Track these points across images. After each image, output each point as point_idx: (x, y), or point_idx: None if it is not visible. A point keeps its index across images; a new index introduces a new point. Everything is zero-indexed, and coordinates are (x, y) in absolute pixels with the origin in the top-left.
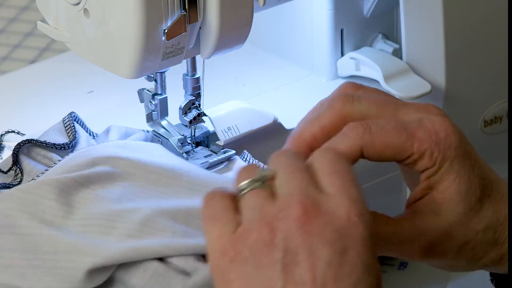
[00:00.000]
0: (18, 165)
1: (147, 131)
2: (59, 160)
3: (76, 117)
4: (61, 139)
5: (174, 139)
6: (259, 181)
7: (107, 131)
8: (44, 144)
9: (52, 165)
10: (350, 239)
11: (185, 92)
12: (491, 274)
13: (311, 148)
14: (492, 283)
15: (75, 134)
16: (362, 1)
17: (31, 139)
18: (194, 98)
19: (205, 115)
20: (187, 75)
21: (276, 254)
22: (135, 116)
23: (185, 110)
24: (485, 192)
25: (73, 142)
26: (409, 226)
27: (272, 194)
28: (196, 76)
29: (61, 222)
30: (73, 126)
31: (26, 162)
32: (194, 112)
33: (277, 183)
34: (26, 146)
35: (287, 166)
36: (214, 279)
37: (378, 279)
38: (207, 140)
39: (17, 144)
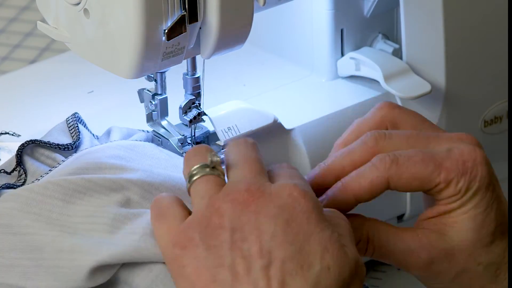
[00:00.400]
0: (22, 166)
1: (147, 132)
2: (62, 161)
3: (79, 117)
4: (65, 139)
5: (174, 139)
6: (208, 167)
7: (109, 132)
8: (48, 145)
9: (56, 166)
10: (292, 212)
11: (185, 92)
12: None
13: (338, 179)
14: None
15: (79, 135)
16: (362, 1)
17: (35, 140)
18: (194, 97)
19: (205, 114)
20: (187, 74)
21: (224, 234)
22: (135, 116)
23: (185, 110)
24: (499, 228)
25: (77, 143)
26: (410, 237)
27: (221, 182)
28: (196, 76)
29: (67, 221)
30: (77, 126)
31: (30, 162)
32: (194, 112)
33: (229, 172)
34: (29, 147)
35: (244, 153)
36: (170, 272)
37: (323, 246)
38: (207, 140)
39: (21, 144)
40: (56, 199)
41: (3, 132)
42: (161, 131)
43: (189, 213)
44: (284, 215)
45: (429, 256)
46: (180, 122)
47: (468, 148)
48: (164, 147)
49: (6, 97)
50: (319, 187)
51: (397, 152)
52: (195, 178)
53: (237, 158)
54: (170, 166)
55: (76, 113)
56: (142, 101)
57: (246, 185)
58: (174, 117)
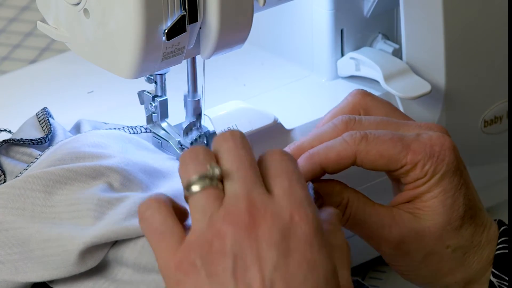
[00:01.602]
0: (0, 167)
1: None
2: (40, 155)
3: (49, 112)
4: (37, 134)
5: (174, 140)
6: (208, 177)
7: (78, 125)
8: (21, 142)
9: (34, 161)
10: (294, 239)
11: (186, 113)
12: None
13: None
14: None
15: (50, 128)
16: (362, 1)
17: (7, 139)
18: (195, 120)
19: (205, 136)
20: (188, 96)
21: (226, 261)
22: (135, 117)
23: (186, 131)
24: (467, 213)
25: (49, 136)
26: (385, 212)
27: (220, 195)
28: (197, 99)
29: (51, 212)
30: (48, 120)
31: (6, 162)
32: (195, 134)
33: (226, 181)
34: (3, 147)
35: (237, 159)
36: None
37: (327, 274)
38: (207, 140)
39: None
40: (38, 191)
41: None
42: (161, 132)
43: (184, 227)
44: (285, 241)
45: (400, 233)
46: (180, 122)
47: (436, 134)
48: (164, 149)
49: (6, 97)
50: None
51: (368, 130)
52: (194, 190)
53: (230, 162)
54: (144, 150)
55: (45, 107)
56: (142, 103)
57: (246, 204)
58: (174, 118)
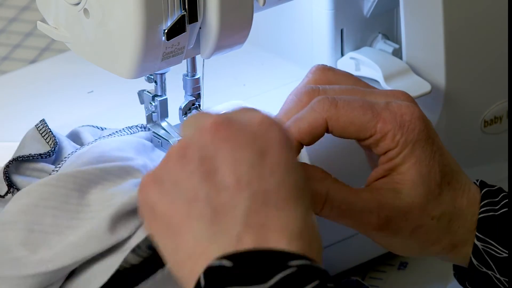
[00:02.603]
0: (14, 186)
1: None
2: (58, 165)
3: (47, 124)
4: (39, 146)
5: (174, 140)
6: None
7: (76, 133)
8: (30, 158)
9: (56, 169)
10: (267, 141)
11: (185, 93)
12: (454, 269)
13: None
14: (455, 277)
15: (55, 139)
16: (362, 1)
17: (17, 157)
18: (194, 98)
19: None
20: (187, 75)
21: (191, 165)
22: (135, 117)
23: (185, 111)
24: (445, 179)
25: (56, 148)
26: (369, 197)
27: None
28: (196, 77)
29: (88, 211)
30: (50, 131)
31: (19, 180)
32: (194, 113)
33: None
34: (13, 165)
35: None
36: (144, 223)
37: (304, 180)
38: None
39: (5, 166)
40: (72, 190)
41: None
42: (161, 132)
43: None
44: (258, 143)
45: (387, 215)
46: (180, 123)
47: (405, 103)
48: (164, 148)
49: (6, 97)
50: None
51: (337, 96)
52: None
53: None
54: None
55: (43, 119)
56: (142, 102)
57: (212, 116)
58: (174, 118)
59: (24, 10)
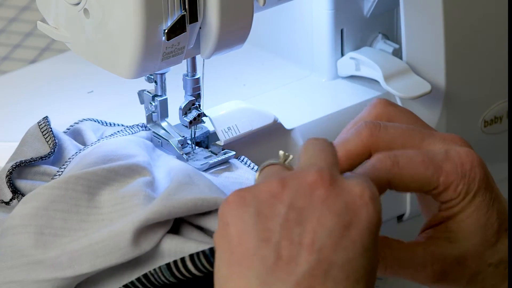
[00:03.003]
0: (19, 191)
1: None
2: (63, 166)
3: (49, 122)
4: (39, 145)
5: (174, 140)
6: (279, 160)
7: (78, 131)
8: (32, 162)
9: (62, 170)
10: (357, 216)
11: (185, 93)
12: None
13: None
14: None
15: (54, 140)
16: (362, 1)
17: (18, 163)
18: (194, 98)
19: (205, 115)
20: (187, 75)
21: (280, 207)
22: (135, 117)
23: (185, 111)
24: (502, 227)
25: (55, 148)
26: (423, 251)
27: (289, 168)
28: (196, 77)
29: (97, 213)
30: (51, 130)
31: (23, 184)
32: (194, 113)
33: (302, 159)
34: (16, 171)
35: (317, 147)
36: (215, 233)
37: (372, 266)
38: (207, 140)
39: (7, 172)
40: (81, 192)
41: None
42: (161, 132)
43: None
44: (348, 215)
45: (443, 266)
46: (180, 123)
47: (464, 150)
48: (164, 149)
49: (6, 97)
50: None
51: (397, 152)
52: (261, 168)
53: (312, 149)
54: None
55: (47, 116)
56: (142, 102)
57: (318, 169)
58: (174, 118)
59: (24, 10)
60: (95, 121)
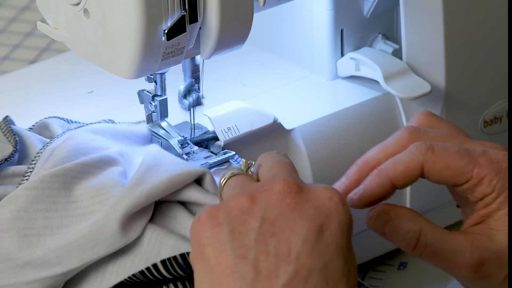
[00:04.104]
0: None
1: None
2: (29, 168)
3: (11, 120)
4: (2, 145)
5: (174, 140)
6: (241, 170)
7: (45, 125)
8: None
9: (30, 170)
10: (328, 218)
11: (184, 75)
12: None
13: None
14: None
15: (15, 137)
16: (362, 1)
17: None
18: (193, 80)
19: (203, 97)
20: (186, 62)
21: (252, 222)
22: (135, 117)
23: (184, 93)
24: None
25: (17, 147)
26: (463, 238)
27: (254, 178)
28: (196, 63)
29: (77, 207)
30: (11, 130)
31: None
32: (193, 95)
33: (261, 171)
34: None
35: (273, 159)
36: (191, 253)
37: (349, 265)
38: (207, 140)
39: None
40: (58, 189)
41: None
42: (161, 132)
43: None
44: (319, 218)
45: (482, 256)
46: (180, 123)
47: (502, 152)
48: (164, 148)
49: (6, 97)
50: (356, 183)
51: (434, 142)
52: (225, 179)
53: (269, 161)
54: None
55: (7, 116)
56: (142, 102)
57: (283, 178)
58: (174, 118)
59: (24, 10)
60: (62, 119)
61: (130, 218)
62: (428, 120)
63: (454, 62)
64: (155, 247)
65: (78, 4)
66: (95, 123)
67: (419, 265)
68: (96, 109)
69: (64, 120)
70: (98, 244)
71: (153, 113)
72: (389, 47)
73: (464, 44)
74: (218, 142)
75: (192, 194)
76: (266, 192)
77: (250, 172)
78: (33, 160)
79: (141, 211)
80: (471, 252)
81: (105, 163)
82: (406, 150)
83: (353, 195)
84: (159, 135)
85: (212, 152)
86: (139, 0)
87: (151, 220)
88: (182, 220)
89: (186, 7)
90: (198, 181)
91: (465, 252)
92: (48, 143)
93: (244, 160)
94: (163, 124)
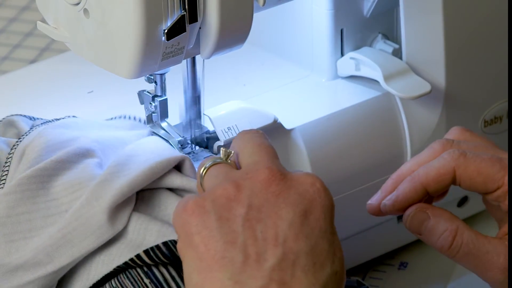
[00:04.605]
0: None
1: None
2: (3, 171)
3: None
4: None
5: (174, 140)
6: (221, 158)
7: (11, 123)
8: None
9: (5, 173)
10: (312, 204)
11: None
12: None
13: None
14: None
15: None
16: (362, 1)
17: None
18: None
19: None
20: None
21: (239, 209)
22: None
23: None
24: None
25: None
26: (499, 242)
27: (234, 166)
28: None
29: (57, 204)
30: None
31: None
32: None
33: (242, 157)
34: None
35: (253, 141)
36: (178, 243)
37: (334, 247)
38: (207, 140)
39: None
40: (35, 190)
41: None
42: (161, 132)
43: None
44: (303, 204)
45: None
46: (180, 123)
47: None
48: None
49: (6, 97)
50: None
51: (467, 149)
52: (205, 168)
53: (249, 145)
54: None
55: None
56: (142, 102)
57: (267, 165)
58: (174, 118)
59: (24, 10)
60: (26, 117)
61: (116, 209)
62: (463, 135)
63: (454, 62)
64: (140, 234)
65: (78, 4)
66: (60, 119)
67: (419, 265)
68: (96, 109)
69: (27, 117)
70: (87, 237)
71: (153, 114)
72: (389, 47)
73: (464, 44)
74: (218, 142)
75: (175, 180)
76: (250, 180)
77: (229, 161)
78: (6, 163)
79: (125, 200)
80: (506, 255)
81: (79, 155)
82: (439, 157)
83: (387, 201)
84: (159, 136)
85: (212, 152)
86: (139, 0)
87: (135, 208)
88: (166, 207)
89: (186, 7)
90: (178, 167)
91: (500, 254)
92: (16, 142)
93: (223, 149)
94: (163, 124)
